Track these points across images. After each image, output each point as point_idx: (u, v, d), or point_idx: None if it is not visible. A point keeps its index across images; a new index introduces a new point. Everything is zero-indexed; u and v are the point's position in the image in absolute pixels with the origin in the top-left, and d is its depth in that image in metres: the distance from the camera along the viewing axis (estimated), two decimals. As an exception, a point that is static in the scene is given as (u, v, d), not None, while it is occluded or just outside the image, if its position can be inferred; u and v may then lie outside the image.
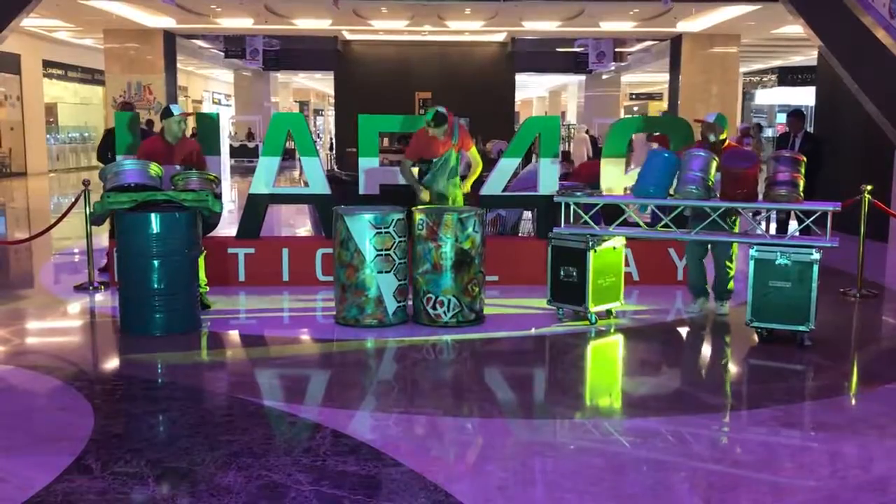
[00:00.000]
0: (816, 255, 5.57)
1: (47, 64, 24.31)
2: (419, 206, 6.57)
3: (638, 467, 3.77)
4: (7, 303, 7.16)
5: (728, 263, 6.58)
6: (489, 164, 9.12)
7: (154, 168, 6.26)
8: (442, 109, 6.76)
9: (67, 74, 26.06)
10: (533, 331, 6.27)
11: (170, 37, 20.89)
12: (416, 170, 7.17)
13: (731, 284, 6.64)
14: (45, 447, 3.93)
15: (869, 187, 7.42)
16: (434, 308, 6.19)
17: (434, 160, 6.91)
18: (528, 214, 9.72)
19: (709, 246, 6.66)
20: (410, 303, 6.39)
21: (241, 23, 19.93)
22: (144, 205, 6.01)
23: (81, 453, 3.80)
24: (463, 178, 7.26)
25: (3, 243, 10.17)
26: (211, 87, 38.22)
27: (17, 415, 4.42)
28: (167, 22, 19.40)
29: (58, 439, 4.03)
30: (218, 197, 6.44)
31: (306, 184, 8.00)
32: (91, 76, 26.94)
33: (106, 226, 7.31)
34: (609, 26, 20.22)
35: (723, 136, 6.53)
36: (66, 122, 26.49)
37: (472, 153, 7.24)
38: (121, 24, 18.99)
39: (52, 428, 4.22)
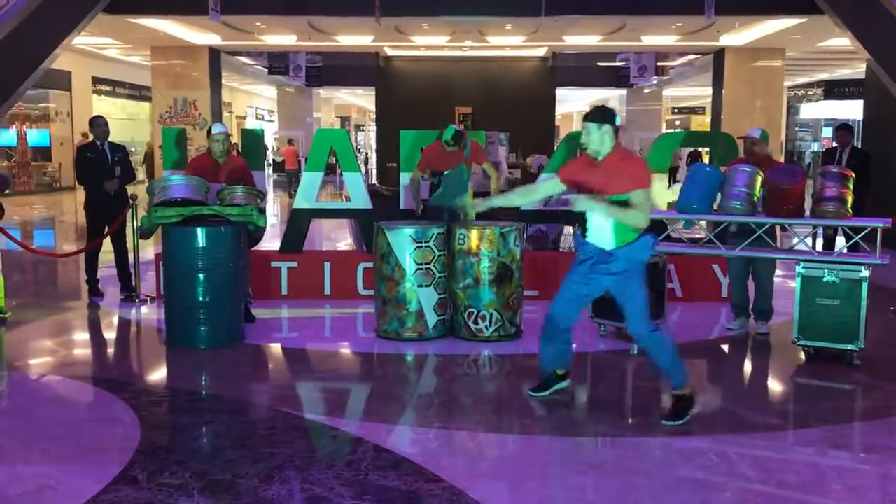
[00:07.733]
0: (866, 273, 5.46)
1: (96, 80, 24.87)
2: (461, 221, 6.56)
3: (681, 487, 3.71)
4: (55, 314, 7.33)
5: (769, 282, 6.46)
6: (529, 179, 9.12)
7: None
8: (460, 128, 7.09)
9: (115, 91, 26.62)
10: (574, 347, 6.21)
11: (215, 53, 21.25)
12: (425, 184, 7.46)
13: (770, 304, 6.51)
14: (93, 457, 4.01)
15: (920, 203, 7.25)
16: (476, 322, 6.19)
17: (445, 172, 7.11)
18: (569, 229, 9.68)
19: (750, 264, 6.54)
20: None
21: (284, 39, 20.20)
22: (191, 219, 6.11)
23: (128, 464, 3.87)
24: (481, 194, 7.29)
25: (52, 255, 10.42)
26: (255, 102, 38.79)
27: (66, 425, 4.51)
28: (213, 39, 19.74)
29: (105, 450, 4.11)
30: (262, 211, 6.52)
31: (348, 198, 8.07)
32: (138, 92, 27.50)
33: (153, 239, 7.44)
34: (651, 40, 20.11)
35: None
36: (114, 138, 26.70)
37: (486, 167, 7.52)
38: (168, 41, 19.38)
39: (100, 438, 4.30)
